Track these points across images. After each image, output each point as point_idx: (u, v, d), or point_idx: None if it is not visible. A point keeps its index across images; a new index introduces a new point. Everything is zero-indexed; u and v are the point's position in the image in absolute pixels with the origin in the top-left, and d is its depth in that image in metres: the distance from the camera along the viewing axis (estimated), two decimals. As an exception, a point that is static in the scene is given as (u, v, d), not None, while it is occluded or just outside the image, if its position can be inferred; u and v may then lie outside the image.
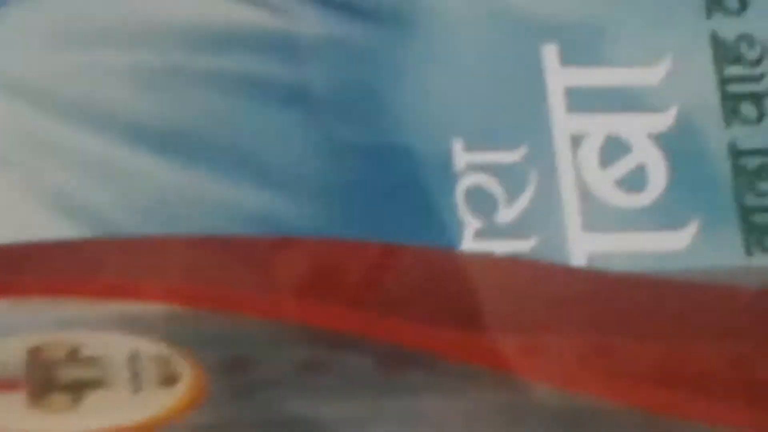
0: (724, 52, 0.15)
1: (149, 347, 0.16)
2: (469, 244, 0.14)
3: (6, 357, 0.16)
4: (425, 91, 0.13)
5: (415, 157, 0.13)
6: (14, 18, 0.13)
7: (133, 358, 0.16)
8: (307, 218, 0.12)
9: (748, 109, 0.15)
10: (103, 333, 0.16)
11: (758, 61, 0.15)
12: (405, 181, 0.13)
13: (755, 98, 0.15)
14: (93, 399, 0.16)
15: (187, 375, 0.16)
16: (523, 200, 0.14)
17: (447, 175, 0.13)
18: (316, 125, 0.12)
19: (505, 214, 0.13)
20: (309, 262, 0.15)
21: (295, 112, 0.12)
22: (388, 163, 0.13)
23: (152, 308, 0.16)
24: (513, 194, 0.14)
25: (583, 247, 0.14)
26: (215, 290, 0.15)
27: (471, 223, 0.13)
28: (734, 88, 0.15)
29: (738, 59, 0.15)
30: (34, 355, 0.16)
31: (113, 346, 0.16)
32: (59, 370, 0.16)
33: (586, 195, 0.14)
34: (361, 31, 0.13)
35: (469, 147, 0.14)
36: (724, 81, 0.15)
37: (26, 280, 0.16)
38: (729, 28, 0.15)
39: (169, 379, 0.16)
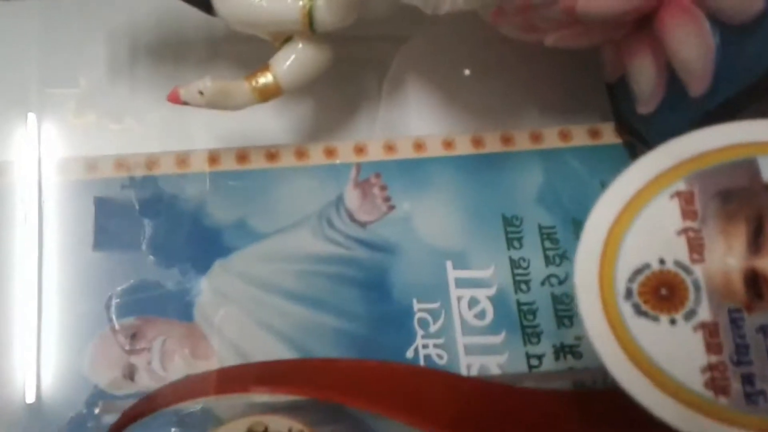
0: None
1: (296, 425, 0.23)
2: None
3: None
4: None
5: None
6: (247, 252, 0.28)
7: None
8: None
9: None
10: (274, 415, 0.23)
11: None
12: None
13: None
14: None
15: None
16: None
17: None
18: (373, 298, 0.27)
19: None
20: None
21: (358, 289, 0.27)
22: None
23: (305, 401, 0.23)
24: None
25: None
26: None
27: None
28: None
29: None
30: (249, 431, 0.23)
31: (281, 425, 0.22)
32: None
33: None
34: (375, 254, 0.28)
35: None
36: None
37: (249, 383, 0.24)
38: None
39: None
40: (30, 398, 0.25)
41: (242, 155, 0.30)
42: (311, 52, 0.27)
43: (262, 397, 0.24)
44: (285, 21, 0.26)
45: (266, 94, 0.27)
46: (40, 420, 0.25)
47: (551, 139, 0.30)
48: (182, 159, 0.30)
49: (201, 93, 0.26)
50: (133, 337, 0.27)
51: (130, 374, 0.27)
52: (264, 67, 0.27)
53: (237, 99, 0.27)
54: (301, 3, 0.26)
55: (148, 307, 0.27)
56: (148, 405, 0.24)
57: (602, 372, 0.22)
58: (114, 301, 0.27)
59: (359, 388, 0.23)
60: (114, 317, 0.27)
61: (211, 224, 0.29)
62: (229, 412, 0.24)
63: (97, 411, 0.25)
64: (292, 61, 0.27)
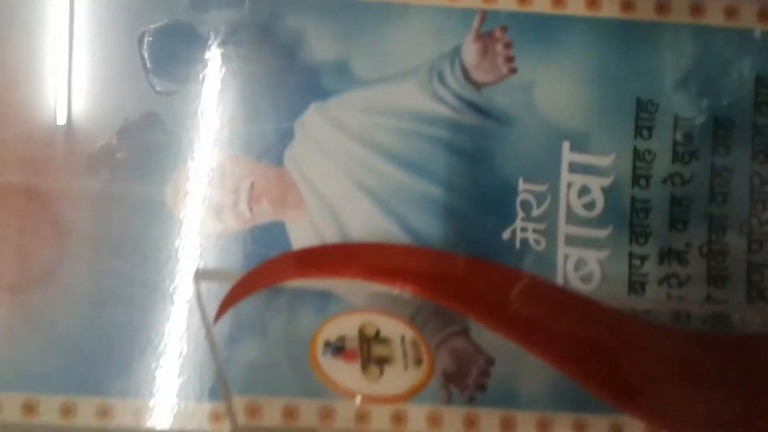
0: None
1: (409, 333, 0.22)
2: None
3: (348, 332, 0.21)
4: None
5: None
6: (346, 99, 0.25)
7: (402, 341, 0.21)
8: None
9: None
10: (388, 318, 0.22)
11: None
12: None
13: None
14: (388, 372, 0.21)
15: (426, 359, 0.21)
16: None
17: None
18: (468, 166, 0.25)
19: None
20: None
21: (462, 159, 0.25)
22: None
23: (412, 299, 0.22)
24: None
25: None
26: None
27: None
28: None
29: None
30: (361, 332, 0.21)
31: (393, 330, 0.21)
32: (372, 347, 0.21)
33: None
34: (486, 122, 0.25)
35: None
36: None
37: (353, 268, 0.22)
38: None
39: (418, 361, 0.21)
40: (61, 120, 0.24)
41: (351, -20, 0.26)
42: None
43: (374, 286, 0.23)
44: None
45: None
46: (71, 142, 0.25)
47: (714, 15, 0.26)
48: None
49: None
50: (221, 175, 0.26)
51: (217, 213, 0.26)
52: None
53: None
54: None
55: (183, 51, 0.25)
56: (257, 281, 0.24)
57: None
58: (147, 39, 0.25)
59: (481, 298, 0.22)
60: (146, 55, 0.25)
61: (309, 60, 0.26)
62: (343, 293, 0.23)
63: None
64: None
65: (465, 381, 0.25)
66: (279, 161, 0.26)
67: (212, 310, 0.24)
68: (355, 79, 0.26)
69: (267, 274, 0.23)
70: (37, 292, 0.24)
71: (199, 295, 0.24)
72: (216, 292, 0.24)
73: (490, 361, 0.25)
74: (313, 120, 0.26)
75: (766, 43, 0.26)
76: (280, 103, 0.26)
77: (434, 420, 0.25)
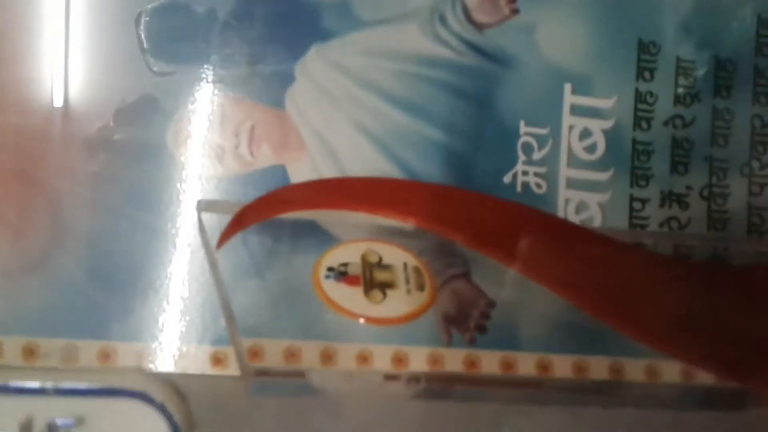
0: None
1: (411, 260, 0.22)
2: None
3: (351, 258, 0.21)
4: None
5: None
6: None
7: (405, 267, 0.22)
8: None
9: None
10: (390, 245, 0.22)
11: None
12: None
13: None
14: (390, 296, 0.21)
15: (429, 284, 0.22)
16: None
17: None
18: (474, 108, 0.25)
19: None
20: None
21: (464, 102, 0.25)
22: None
23: (413, 229, 0.22)
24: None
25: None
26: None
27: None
28: None
29: None
30: (363, 259, 0.22)
31: (395, 257, 0.22)
32: (375, 272, 0.22)
33: None
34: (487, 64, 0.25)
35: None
36: None
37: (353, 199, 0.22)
38: None
39: (420, 286, 0.22)
40: (57, 102, 0.24)
41: None
42: None
43: (371, 218, 0.23)
44: None
45: None
46: (68, 125, 0.24)
47: (716, -46, 0.26)
48: None
49: None
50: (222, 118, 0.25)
51: (218, 156, 0.25)
52: None
53: None
54: None
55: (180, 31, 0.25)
56: (259, 211, 0.23)
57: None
58: (144, 19, 0.25)
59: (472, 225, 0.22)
60: (143, 35, 0.25)
61: (311, 1, 0.26)
62: (343, 231, 0.23)
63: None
64: None
65: (466, 323, 0.25)
66: (280, 104, 0.26)
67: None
68: (357, 20, 0.26)
69: (270, 204, 0.23)
70: (34, 274, 0.23)
71: (202, 226, 0.24)
72: (218, 228, 0.24)
73: (491, 304, 0.25)
74: (314, 62, 0.26)
75: (768, -15, 0.26)
76: (281, 45, 0.26)
77: (435, 361, 0.25)
